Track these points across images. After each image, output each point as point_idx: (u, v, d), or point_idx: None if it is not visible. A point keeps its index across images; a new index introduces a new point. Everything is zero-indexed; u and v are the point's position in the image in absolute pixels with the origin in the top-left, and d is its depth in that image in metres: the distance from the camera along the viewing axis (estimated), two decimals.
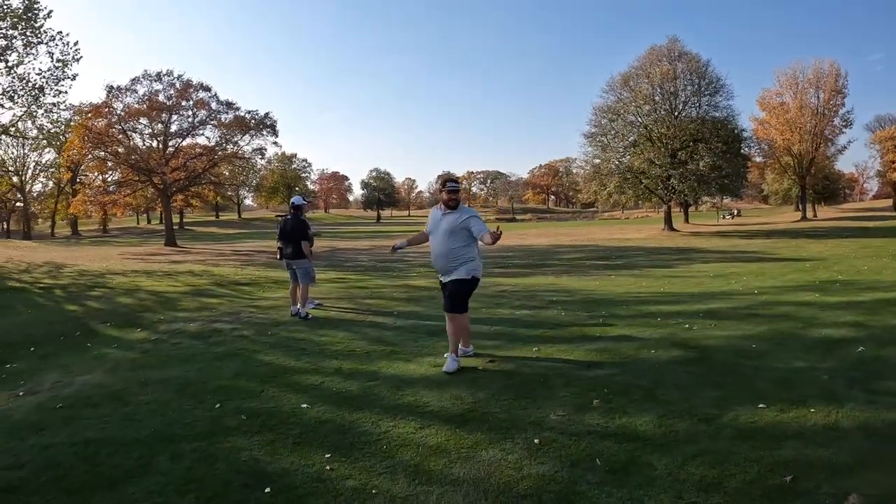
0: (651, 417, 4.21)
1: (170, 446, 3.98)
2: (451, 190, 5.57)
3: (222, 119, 37.55)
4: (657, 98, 38.05)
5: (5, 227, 68.98)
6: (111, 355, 6.80)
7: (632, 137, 39.20)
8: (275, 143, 39.52)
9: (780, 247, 22.95)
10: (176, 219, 71.93)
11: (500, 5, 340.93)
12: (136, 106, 35.45)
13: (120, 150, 34.61)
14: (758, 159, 49.72)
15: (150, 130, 36.92)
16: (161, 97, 36.32)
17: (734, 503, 3.07)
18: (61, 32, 25.04)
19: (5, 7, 22.85)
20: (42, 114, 26.56)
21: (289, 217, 9.34)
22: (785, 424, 4.03)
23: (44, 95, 25.35)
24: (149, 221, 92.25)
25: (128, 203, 43.77)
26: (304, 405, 4.65)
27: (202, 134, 38.17)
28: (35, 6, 23.63)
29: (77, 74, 26.13)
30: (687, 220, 49.65)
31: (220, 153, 38.24)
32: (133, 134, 36.36)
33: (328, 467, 3.59)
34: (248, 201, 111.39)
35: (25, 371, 6.31)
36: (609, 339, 6.67)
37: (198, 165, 38.16)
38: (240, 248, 32.03)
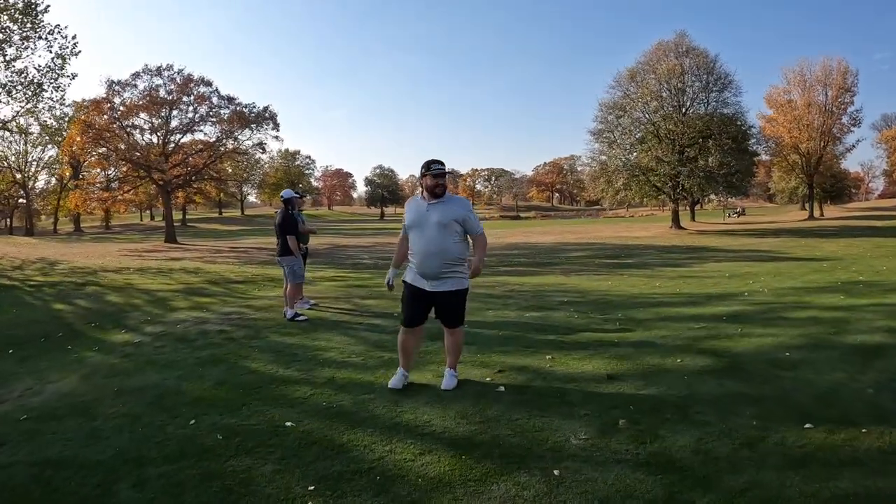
0: (687, 441, 3.68)
1: (135, 470, 3.46)
2: (436, 173, 4.57)
3: (223, 114, 37.08)
4: (664, 94, 37.42)
5: (8, 223, 68.62)
6: (90, 359, 6.30)
7: (639, 134, 38.60)
8: (276, 136, 38.95)
9: (791, 246, 22.39)
10: (179, 216, 71.62)
11: (503, 4, 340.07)
12: (136, 101, 35.00)
13: (121, 146, 34.14)
14: (764, 157, 49.04)
15: (150, 126, 36.48)
16: (161, 92, 35.87)
17: None
18: (59, 26, 24.65)
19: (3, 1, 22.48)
20: (44, 109, 26.19)
21: (279, 211, 8.83)
22: (837, 449, 3.52)
23: (43, 91, 25.03)
24: (152, 218, 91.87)
25: (128, 200, 43.34)
26: (289, 423, 4.11)
27: (201, 130, 37.73)
28: (34, 1, 23.26)
29: (76, 74, 25.73)
30: (693, 219, 49.05)
31: (221, 149, 37.77)
32: (133, 130, 35.92)
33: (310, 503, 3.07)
34: (251, 198, 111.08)
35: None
36: (628, 345, 6.14)
37: (198, 161, 37.70)
38: (239, 245, 31.55)
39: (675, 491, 3.07)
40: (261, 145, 38.42)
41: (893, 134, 66.03)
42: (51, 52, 24.41)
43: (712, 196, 42.80)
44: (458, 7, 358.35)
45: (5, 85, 23.86)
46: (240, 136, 37.88)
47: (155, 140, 36.80)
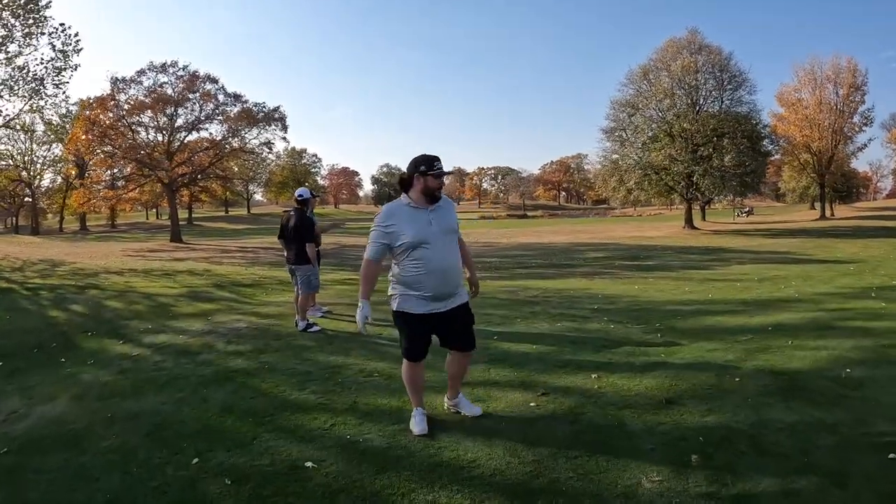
0: (770, 481, 3.14)
1: None
2: (439, 173, 3.81)
3: (229, 112, 36.55)
4: (678, 91, 36.76)
5: (14, 222, 68.35)
6: (83, 376, 5.71)
7: (651, 132, 37.97)
8: (283, 137, 38.41)
9: (809, 247, 21.81)
10: (185, 214, 71.33)
11: (511, 1, 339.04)
12: (142, 98, 34.50)
13: (125, 144, 33.63)
14: (775, 157, 48.48)
15: (155, 124, 35.99)
16: (167, 90, 35.39)
17: None
18: (63, 24, 24.29)
19: None
20: (48, 106, 25.84)
21: (292, 212, 7.97)
22: None
23: (44, 87, 24.65)
24: (158, 217, 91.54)
25: (134, 199, 42.93)
26: (310, 463, 3.48)
27: (206, 129, 37.23)
28: None
29: (78, 65, 25.22)
30: (704, 218, 48.37)
31: (226, 147, 37.25)
32: (138, 128, 35.45)
33: None
34: (257, 196, 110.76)
35: None
36: (677, 361, 5.51)
37: (203, 160, 37.18)
38: (246, 245, 31.01)
39: None
40: (268, 144, 37.91)
41: None
42: (54, 48, 24.10)
43: (729, 195, 42.10)
44: (464, 3, 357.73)
45: (6, 81, 23.50)
46: (247, 135, 37.37)
47: (160, 138, 36.31)
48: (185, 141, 37.54)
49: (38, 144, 56.07)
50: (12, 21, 22.67)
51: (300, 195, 8.00)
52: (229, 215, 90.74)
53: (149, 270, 16.93)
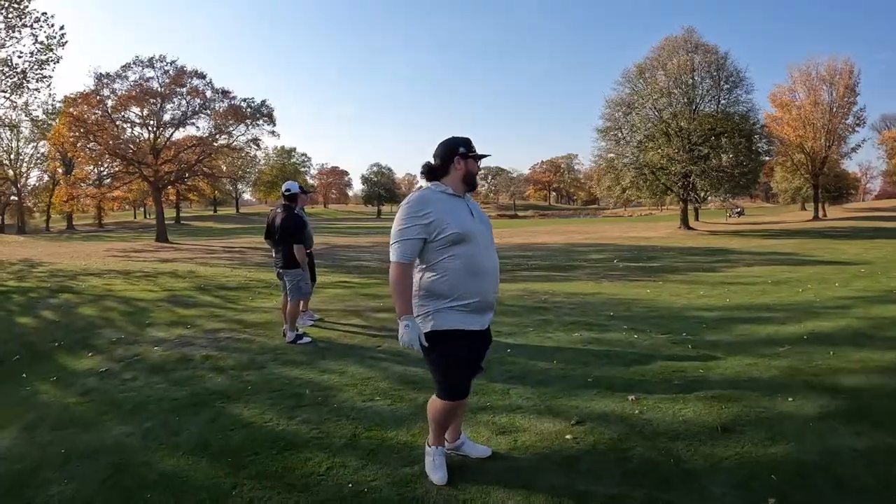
0: None
1: None
2: (481, 155, 3.21)
3: (217, 108, 35.67)
4: (675, 91, 36.26)
5: None
6: (42, 397, 4.99)
7: (647, 131, 37.47)
8: (272, 132, 37.47)
9: (811, 248, 21.28)
10: (173, 213, 70.36)
11: (504, 4, 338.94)
12: (127, 93, 33.56)
13: (110, 141, 32.65)
14: (766, 158, 48.46)
15: (140, 120, 35.06)
16: (154, 84, 34.48)
17: None
18: (46, 13, 23.34)
19: None
20: (29, 101, 25.02)
21: (279, 209, 7.08)
22: None
23: (27, 81, 23.74)
24: (146, 216, 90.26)
25: (119, 197, 42.02)
26: None
27: (194, 124, 36.34)
28: None
29: (60, 57, 24.27)
30: (697, 218, 48.00)
31: (214, 144, 36.36)
32: (124, 124, 34.50)
33: None
34: (246, 196, 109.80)
35: None
36: (719, 379, 4.88)
37: (190, 157, 36.29)
38: (233, 245, 30.11)
39: None
40: (255, 141, 37.02)
41: (894, 135, 65.39)
42: (36, 40, 23.20)
43: (714, 196, 41.74)
44: (456, 5, 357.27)
45: None
46: (234, 132, 36.51)
47: (146, 135, 35.40)
48: (172, 138, 36.62)
49: (24, 142, 55.15)
50: None
51: (288, 189, 7.14)
52: (218, 214, 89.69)
53: (130, 272, 16.09)
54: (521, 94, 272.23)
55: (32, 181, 61.22)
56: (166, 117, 35.34)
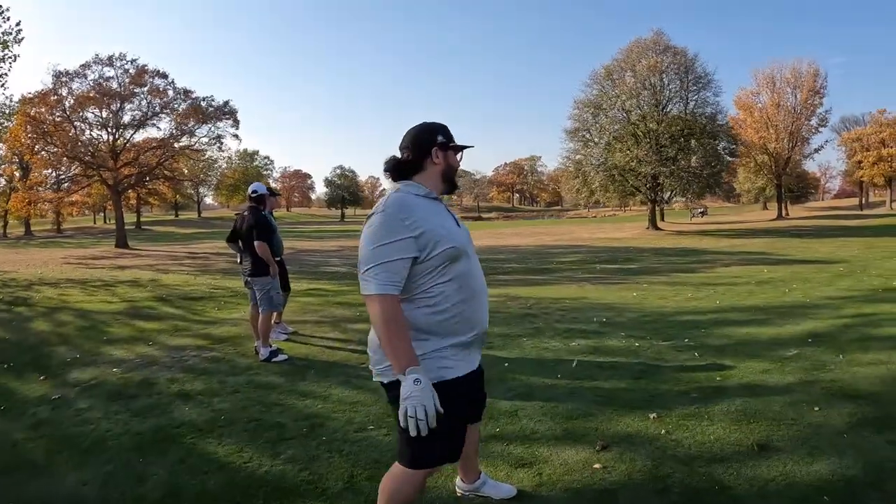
0: None
1: None
2: (463, 147, 2.52)
3: (178, 108, 34.59)
4: (643, 92, 36.41)
5: None
6: None
7: (615, 133, 37.57)
8: (235, 134, 36.49)
9: (782, 247, 21.46)
10: (133, 218, 68.55)
11: (466, 4, 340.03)
12: (85, 92, 32.28)
13: (68, 143, 31.35)
14: (731, 159, 49.39)
15: (99, 121, 33.79)
16: (113, 84, 33.25)
17: None
18: (0, 6, 22.06)
19: None
20: None
21: (246, 212, 6.43)
22: None
23: None
24: (105, 221, 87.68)
25: (78, 202, 40.50)
26: None
27: (155, 125, 35.18)
28: None
29: (18, 55, 22.97)
30: (662, 218, 48.49)
31: (175, 146, 35.25)
32: (82, 125, 33.22)
33: None
34: (208, 200, 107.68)
35: None
36: (735, 387, 4.60)
37: (151, 160, 35.12)
38: (196, 251, 29.13)
39: None
40: (218, 139, 35.96)
41: (853, 136, 67.52)
42: None
43: (682, 196, 42.16)
44: (417, 6, 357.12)
45: None
46: (196, 133, 35.46)
47: (105, 136, 34.12)
48: (132, 139, 35.40)
49: None
50: None
51: (255, 191, 6.52)
52: (179, 219, 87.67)
53: (87, 281, 15.23)
54: (485, 96, 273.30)
55: None
56: (126, 118, 34.21)
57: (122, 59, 33.58)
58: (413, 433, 1.98)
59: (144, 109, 34.39)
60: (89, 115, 33.38)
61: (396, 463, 2.33)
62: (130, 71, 33.64)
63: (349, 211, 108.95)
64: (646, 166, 35.08)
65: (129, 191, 39.31)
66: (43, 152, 32.36)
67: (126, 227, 36.80)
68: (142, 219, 74.43)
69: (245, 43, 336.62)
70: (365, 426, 4.03)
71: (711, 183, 36.66)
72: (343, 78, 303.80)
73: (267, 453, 3.63)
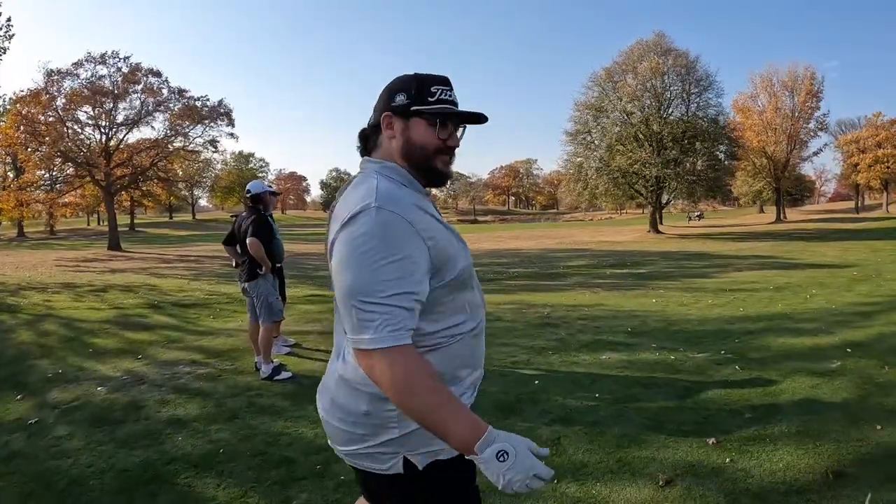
0: None
1: None
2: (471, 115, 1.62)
3: (172, 108, 33.99)
4: (645, 94, 36.04)
5: None
6: None
7: (617, 135, 37.19)
8: (231, 134, 35.87)
9: (788, 250, 21.08)
10: (126, 220, 67.86)
11: (466, 5, 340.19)
12: (78, 91, 31.65)
13: (60, 143, 30.67)
14: (732, 161, 49.22)
15: (92, 120, 33.15)
16: (106, 83, 32.64)
17: None
18: None
19: None
20: None
21: (244, 214, 5.90)
22: None
23: None
24: (99, 222, 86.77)
25: (71, 203, 39.77)
26: None
27: (149, 125, 34.60)
28: None
29: (8, 48, 22.34)
30: (662, 222, 48.20)
31: (169, 147, 34.65)
32: (74, 125, 32.57)
33: None
34: (203, 202, 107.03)
35: None
36: (792, 407, 4.20)
37: (144, 160, 34.50)
38: (190, 253, 28.52)
39: None
40: (213, 142, 35.36)
41: (850, 139, 67.51)
42: None
43: (687, 199, 41.84)
44: (415, 7, 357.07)
45: None
46: (191, 133, 34.85)
47: (97, 136, 33.50)
48: (126, 140, 34.77)
49: None
50: None
51: (249, 190, 5.89)
52: (173, 221, 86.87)
53: (77, 285, 14.61)
54: (485, 96, 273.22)
55: None
56: (119, 118, 33.57)
57: (115, 57, 32.94)
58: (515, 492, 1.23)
59: (138, 108, 33.76)
60: (81, 115, 32.75)
61: None
62: (124, 69, 33.02)
63: None
64: (650, 169, 34.69)
65: (123, 192, 38.60)
66: (36, 154, 31.68)
67: (119, 229, 36.16)
68: (135, 221, 73.72)
69: (245, 43, 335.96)
70: None
71: (714, 186, 36.34)
72: (343, 78, 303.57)
73: (277, 499, 3.08)
